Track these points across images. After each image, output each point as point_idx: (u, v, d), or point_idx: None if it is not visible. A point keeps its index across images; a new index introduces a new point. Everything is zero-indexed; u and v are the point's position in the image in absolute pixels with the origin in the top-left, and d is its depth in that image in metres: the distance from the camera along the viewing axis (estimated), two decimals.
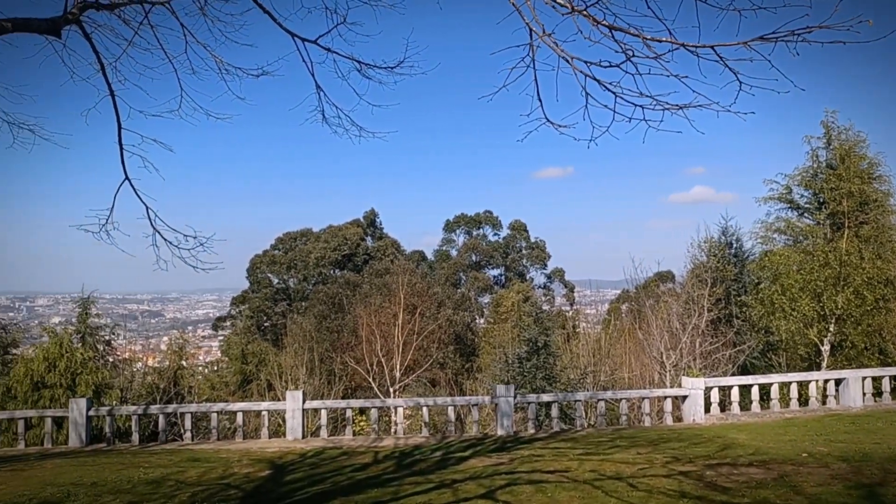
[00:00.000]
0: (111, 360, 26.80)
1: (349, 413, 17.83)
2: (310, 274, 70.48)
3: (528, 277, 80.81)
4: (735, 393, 18.37)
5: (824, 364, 23.34)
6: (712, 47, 4.71)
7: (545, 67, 5.54)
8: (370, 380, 31.45)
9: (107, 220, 7.99)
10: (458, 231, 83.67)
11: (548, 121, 5.78)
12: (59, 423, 19.26)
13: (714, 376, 20.57)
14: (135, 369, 29.24)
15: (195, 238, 8.21)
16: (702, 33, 4.82)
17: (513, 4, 5.21)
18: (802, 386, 19.62)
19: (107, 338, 26.99)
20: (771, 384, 18.80)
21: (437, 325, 39.89)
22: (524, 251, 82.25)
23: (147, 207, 8.28)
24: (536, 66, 5.54)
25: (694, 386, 17.59)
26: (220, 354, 43.51)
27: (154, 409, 18.22)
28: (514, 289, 61.95)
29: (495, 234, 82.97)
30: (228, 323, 71.76)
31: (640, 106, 5.32)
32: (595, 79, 5.30)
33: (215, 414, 17.48)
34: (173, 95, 8.58)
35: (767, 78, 4.64)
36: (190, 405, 19.15)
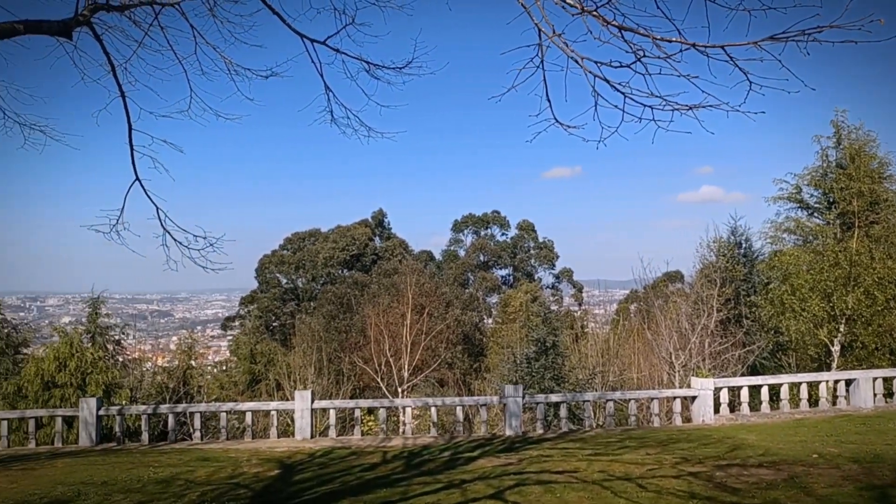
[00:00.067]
0: (121, 359, 26.95)
1: (358, 413, 17.85)
2: (318, 274, 70.60)
3: (536, 277, 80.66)
4: (745, 393, 18.29)
5: (834, 364, 23.23)
6: (722, 47, 4.69)
7: (554, 68, 5.54)
8: (378, 380, 31.51)
9: (117, 220, 8.04)
10: (465, 231, 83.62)
11: (557, 121, 5.78)
12: (70, 422, 19.37)
13: (723, 377, 20.50)
14: (144, 369, 29.39)
15: (205, 238, 8.25)
16: (711, 33, 4.81)
17: (522, 5, 5.21)
18: (812, 386, 19.53)
19: (117, 337, 27.16)
20: (781, 385, 18.72)
21: (445, 325, 39.88)
22: (532, 251, 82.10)
23: (157, 208, 8.33)
24: (545, 67, 5.54)
25: (703, 386, 17.53)
26: (228, 354, 43.52)
27: (164, 408, 18.30)
28: (523, 289, 61.85)
29: (503, 234, 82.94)
30: (237, 323, 71.86)
31: (650, 106, 5.31)
32: (605, 79, 5.30)
33: (224, 413, 17.53)
34: (183, 96, 8.62)
35: (778, 77, 4.62)
36: (199, 405, 19.21)
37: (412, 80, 8.34)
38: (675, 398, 18.06)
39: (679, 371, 22.29)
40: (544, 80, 5.64)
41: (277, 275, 72.77)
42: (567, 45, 5.19)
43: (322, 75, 8.40)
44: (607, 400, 18.24)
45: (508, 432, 16.73)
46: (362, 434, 17.67)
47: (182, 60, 8.38)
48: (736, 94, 4.93)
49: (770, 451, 12.70)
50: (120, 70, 7.94)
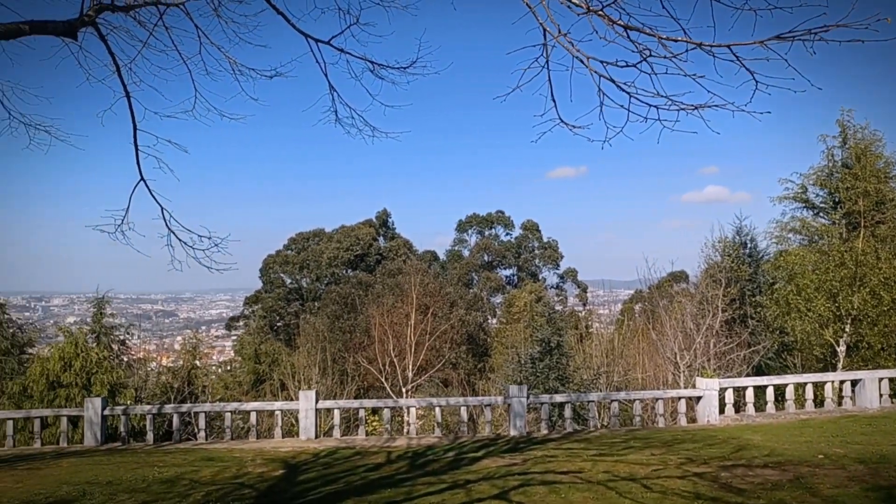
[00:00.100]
0: (126, 359, 27.02)
1: (362, 413, 17.86)
2: (322, 274, 70.68)
3: (540, 277, 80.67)
4: (750, 394, 18.24)
5: (840, 365, 23.13)
6: (728, 46, 4.67)
7: (559, 68, 5.53)
8: (382, 380, 31.51)
9: (122, 220, 8.06)
10: (470, 231, 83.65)
11: (562, 121, 5.77)
12: (75, 422, 19.42)
13: (728, 377, 20.46)
14: (149, 369, 29.48)
15: (209, 239, 8.26)
16: (716, 33, 4.79)
17: (527, 5, 5.19)
18: (818, 387, 19.47)
19: (121, 337, 27.25)
20: (786, 385, 18.66)
21: (449, 325, 39.89)
22: (536, 251, 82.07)
23: (162, 208, 8.34)
24: (550, 67, 5.53)
25: (708, 387, 17.49)
26: (233, 354, 43.70)
27: (168, 408, 18.35)
28: (527, 289, 61.85)
29: (507, 234, 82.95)
30: (241, 323, 72.06)
31: (655, 106, 5.30)
32: (610, 79, 5.28)
33: (229, 413, 17.55)
34: (188, 96, 8.64)
35: (784, 77, 4.60)
36: (204, 405, 19.25)
37: (416, 80, 8.34)
38: (679, 398, 18.02)
39: (684, 371, 22.24)
40: (549, 79, 5.63)
41: (282, 275, 72.89)
42: (573, 45, 5.18)
43: (326, 75, 8.41)
44: (612, 400, 18.20)
45: (513, 432, 16.72)
46: (366, 434, 17.67)
47: (187, 60, 8.41)
48: (741, 93, 4.92)
49: (775, 452, 12.66)
50: (125, 70, 7.97)
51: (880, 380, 18.76)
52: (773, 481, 10.39)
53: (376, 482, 11.34)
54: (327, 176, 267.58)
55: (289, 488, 11.21)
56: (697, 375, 19.23)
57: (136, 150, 8.19)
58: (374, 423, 25.09)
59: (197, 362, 29.94)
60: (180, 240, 8.31)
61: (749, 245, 28.28)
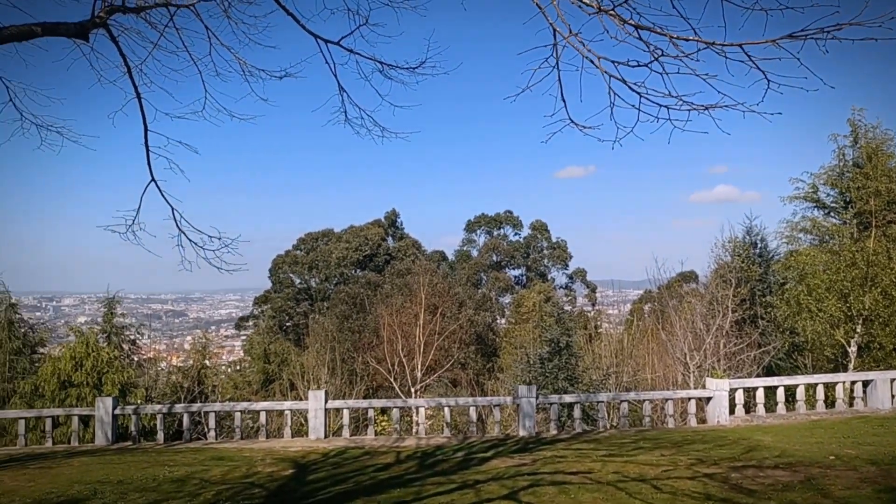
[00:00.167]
0: (136, 359, 27.19)
1: (371, 413, 17.88)
2: (331, 274, 70.80)
3: (549, 277, 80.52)
4: (760, 394, 18.16)
5: (851, 365, 22.99)
6: (740, 45, 4.65)
7: (569, 68, 5.52)
8: (391, 380, 31.55)
9: (133, 220, 8.11)
10: (478, 231, 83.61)
11: (572, 122, 5.76)
12: (86, 421, 19.52)
13: (739, 377, 20.35)
14: (159, 368, 29.65)
15: (219, 239, 8.31)
16: (727, 33, 4.77)
17: (537, 5, 5.19)
18: (829, 388, 19.35)
19: (132, 337, 27.41)
20: (796, 386, 18.56)
21: (458, 325, 39.89)
22: (545, 251, 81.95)
23: (173, 209, 8.39)
24: (560, 67, 5.52)
25: (718, 387, 17.42)
26: (242, 354, 43.83)
27: (179, 408, 18.42)
28: (536, 289, 61.75)
29: (516, 234, 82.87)
30: (251, 323, 72.25)
31: (666, 106, 5.28)
32: (621, 79, 5.27)
33: (239, 413, 17.60)
34: (198, 97, 8.68)
35: (796, 76, 4.58)
36: (214, 404, 19.32)
37: (425, 81, 8.36)
38: (689, 399, 17.96)
39: (694, 372, 22.16)
40: (559, 80, 5.63)
41: (291, 275, 73.06)
42: (584, 45, 5.17)
43: (336, 76, 8.44)
44: (621, 401, 18.15)
45: (522, 433, 16.70)
46: (376, 434, 17.69)
47: (197, 61, 8.45)
48: (752, 93, 4.90)
49: (786, 453, 12.60)
50: (136, 71, 8.02)
51: (892, 381, 18.62)
52: (783, 482, 10.34)
53: (386, 482, 11.35)
54: (336, 176, 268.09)
55: (298, 488, 11.24)
56: (707, 376, 19.16)
57: (147, 150, 8.25)
58: (384, 423, 25.10)
59: (207, 362, 30.07)
60: (190, 240, 8.36)
61: (759, 245, 28.11)
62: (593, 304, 75.21)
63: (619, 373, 25.70)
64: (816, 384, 18.70)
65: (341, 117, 8.74)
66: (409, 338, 33.11)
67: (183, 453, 14.96)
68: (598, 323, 49.58)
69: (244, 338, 59.81)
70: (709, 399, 17.62)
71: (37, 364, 25.70)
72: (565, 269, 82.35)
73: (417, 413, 25.17)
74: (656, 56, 5.00)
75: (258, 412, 18.13)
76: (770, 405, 18.51)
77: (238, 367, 38.17)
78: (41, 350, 27.78)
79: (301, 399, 24.75)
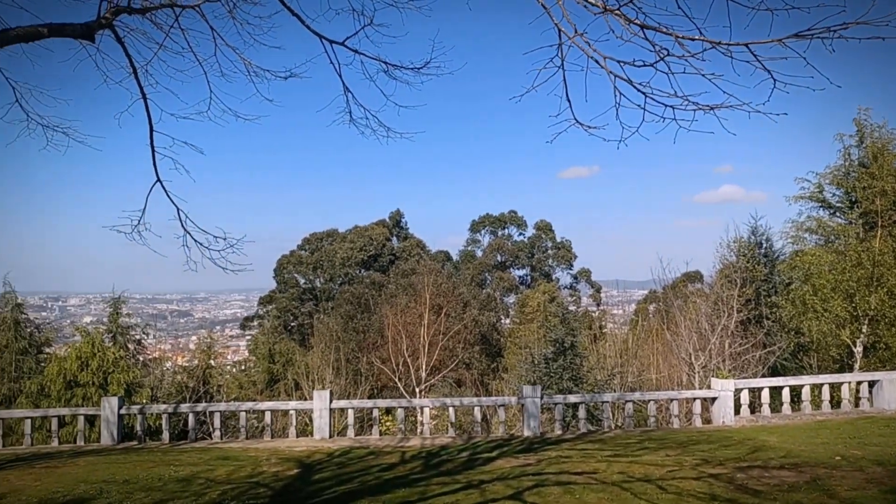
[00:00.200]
0: (142, 359, 27.24)
1: (376, 413, 17.89)
2: (336, 274, 70.88)
3: (553, 277, 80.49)
4: (765, 395, 18.11)
5: (857, 366, 22.94)
6: (747, 45, 4.65)
7: (574, 68, 5.52)
8: (396, 380, 31.58)
9: (139, 221, 8.14)
10: (483, 231, 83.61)
11: (577, 122, 5.76)
12: (92, 421, 19.57)
13: (744, 378, 20.31)
14: (164, 368, 29.68)
15: (224, 239, 8.34)
16: (732, 33, 4.77)
17: (542, 6, 5.19)
18: (834, 388, 19.30)
19: (137, 337, 27.47)
20: (802, 386, 18.50)
21: (462, 325, 39.87)
22: (550, 251, 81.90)
23: (178, 209, 8.42)
24: (565, 67, 5.52)
25: (723, 387, 17.38)
26: (247, 354, 43.90)
27: (184, 407, 18.46)
28: (540, 289, 61.73)
29: (520, 234, 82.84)
30: (256, 323, 72.44)
31: (671, 106, 5.28)
32: (627, 79, 5.27)
33: (244, 413, 17.63)
34: (203, 97, 8.71)
35: (802, 76, 4.57)
36: (219, 404, 19.34)
37: (430, 81, 8.37)
38: (694, 399, 17.92)
39: (699, 372, 22.13)
40: (564, 80, 5.63)
41: (295, 275, 73.15)
42: (589, 45, 5.17)
43: (341, 76, 8.45)
44: (626, 401, 18.13)
45: (527, 433, 16.70)
46: (380, 434, 17.69)
47: (202, 62, 8.48)
48: (758, 93, 4.89)
49: (792, 453, 12.57)
50: (141, 72, 8.05)
51: None
52: (789, 483, 10.33)
53: (390, 482, 11.37)
54: (341, 176, 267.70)
55: (303, 487, 11.25)
56: (712, 376, 19.12)
57: (153, 151, 8.28)
58: (388, 423, 25.14)
59: (212, 362, 30.13)
60: (196, 240, 8.39)
61: (764, 245, 28.05)
62: (598, 304, 75.17)
63: (624, 373, 25.68)
64: (822, 384, 18.64)
65: (346, 117, 8.76)
66: (414, 338, 33.13)
67: (188, 453, 15.00)
68: (603, 323, 49.62)
69: (249, 338, 59.94)
70: (714, 399, 17.59)
71: (43, 364, 25.77)
72: (570, 269, 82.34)
73: (422, 413, 25.12)
74: (662, 56, 4.99)
75: (263, 412, 18.16)
76: (775, 405, 18.46)
77: (243, 367, 38.20)
78: (47, 350, 27.85)
79: (306, 399, 24.78)
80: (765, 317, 25.17)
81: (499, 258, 78.86)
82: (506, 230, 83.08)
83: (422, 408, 18.60)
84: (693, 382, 22.09)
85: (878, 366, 22.51)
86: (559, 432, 17.00)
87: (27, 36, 6.68)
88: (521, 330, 49.42)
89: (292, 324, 67.57)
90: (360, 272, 70.46)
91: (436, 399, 22.13)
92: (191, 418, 17.56)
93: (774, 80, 4.72)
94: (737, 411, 17.66)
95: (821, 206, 28.45)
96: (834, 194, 28.06)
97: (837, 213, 27.97)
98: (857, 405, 18.71)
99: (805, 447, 13.19)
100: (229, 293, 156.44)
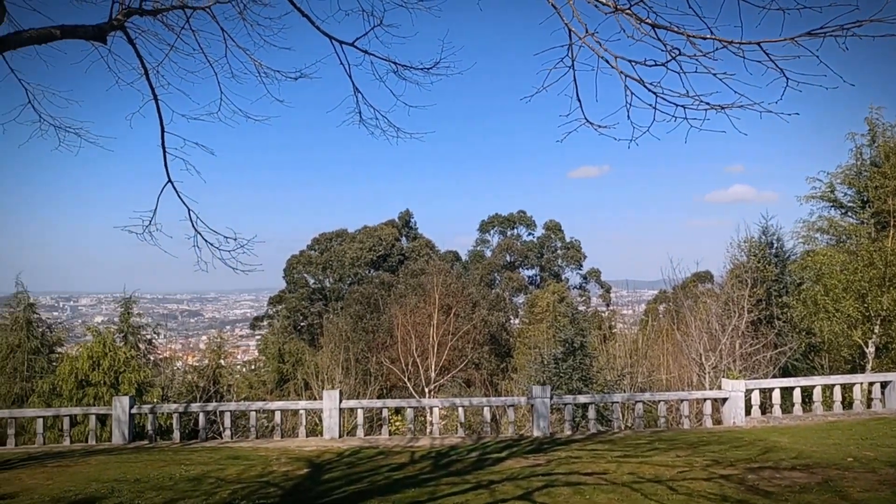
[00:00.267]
0: (152, 358, 27.37)
1: (385, 413, 17.91)
2: (345, 274, 70.98)
3: (563, 278, 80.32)
4: (776, 395, 18.02)
5: (869, 366, 22.79)
6: (758, 44, 4.62)
7: (585, 68, 5.51)
8: (405, 380, 31.60)
9: (150, 221, 8.18)
10: (492, 231, 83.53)
11: (587, 121, 5.75)
12: (103, 420, 19.69)
13: (755, 378, 20.22)
14: (175, 368, 29.83)
15: (235, 240, 8.37)
16: (743, 33, 4.75)
17: (553, 6, 5.18)
18: (846, 388, 19.18)
19: (148, 337, 27.60)
20: (813, 386, 18.41)
21: (471, 325, 39.88)
22: (559, 251, 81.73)
23: (189, 209, 8.46)
24: (576, 67, 5.51)
25: (734, 388, 17.31)
26: (257, 354, 44.06)
27: (195, 407, 18.53)
28: (550, 289, 61.60)
29: (530, 234, 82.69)
30: (265, 322, 72.60)
31: (683, 106, 5.26)
32: (637, 79, 5.25)
33: (254, 412, 17.68)
34: (213, 98, 8.74)
35: (815, 74, 4.54)
36: (229, 404, 19.41)
37: (440, 81, 8.37)
38: (705, 400, 17.85)
39: (709, 372, 22.04)
40: (574, 80, 5.62)
41: (305, 275, 73.30)
42: (600, 45, 5.16)
43: (351, 76, 8.47)
44: (636, 401, 18.07)
45: (536, 433, 16.68)
46: (390, 434, 17.72)
47: (213, 63, 8.52)
48: (769, 92, 4.87)
49: (803, 454, 12.50)
50: (152, 73, 8.10)
51: None
52: (801, 484, 10.27)
53: (400, 482, 11.37)
54: (350, 176, 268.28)
55: (313, 487, 11.28)
56: (723, 377, 19.05)
57: (164, 152, 8.32)
58: (398, 423, 25.16)
59: (222, 361, 30.26)
60: (206, 241, 8.43)
61: (775, 245, 27.90)
62: (608, 305, 74.99)
63: (634, 373, 25.61)
64: (833, 385, 18.53)
65: (356, 118, 8.79)
66: (423, 338, 33.15)
67: (199, 452, 15.05)
68: (613, 323, 49.51)
69: (259, 337, 60.12)
70: (724, 400, 17.51)
71: (54, 363, 25.94)
72: (579, 269, 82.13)
73: (431, 413, 25.20)
74: (673, 55, 4.98)
75: (273, 412, 18.20)
76: (786, 406, 18.37)
77: (253, 367, 38.36)
78: (59, 349, 28.04)
79: (315, 399, 24.85)
80: (776, 317, 25.04)
81: (508, 258, 78.76)
82: (515, 230, 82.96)
83: (431, 408, 18.64)
84: (703, 383, 22.00)
85: (890, 366, 22.35)
86: (569, 433, 16.97)
87: (40, 38, 6.73)
88: (531, 330, 49.37)
89: (302, 324, 67.71)
90: (369, 272, 70.54)
91: (445, 399, 22.15)
92: (201, 418, 17.63)
93: (787, 79, 4.70)
94: (748, 412, 17.58)
95: (832, 206, 28.31)
96: (846, 194, 27.92)
97: (849, 213, 27.82)
98: (869, 406, 18.60)
99: (816, 448, 13.11)
100: (239, 293, 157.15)
